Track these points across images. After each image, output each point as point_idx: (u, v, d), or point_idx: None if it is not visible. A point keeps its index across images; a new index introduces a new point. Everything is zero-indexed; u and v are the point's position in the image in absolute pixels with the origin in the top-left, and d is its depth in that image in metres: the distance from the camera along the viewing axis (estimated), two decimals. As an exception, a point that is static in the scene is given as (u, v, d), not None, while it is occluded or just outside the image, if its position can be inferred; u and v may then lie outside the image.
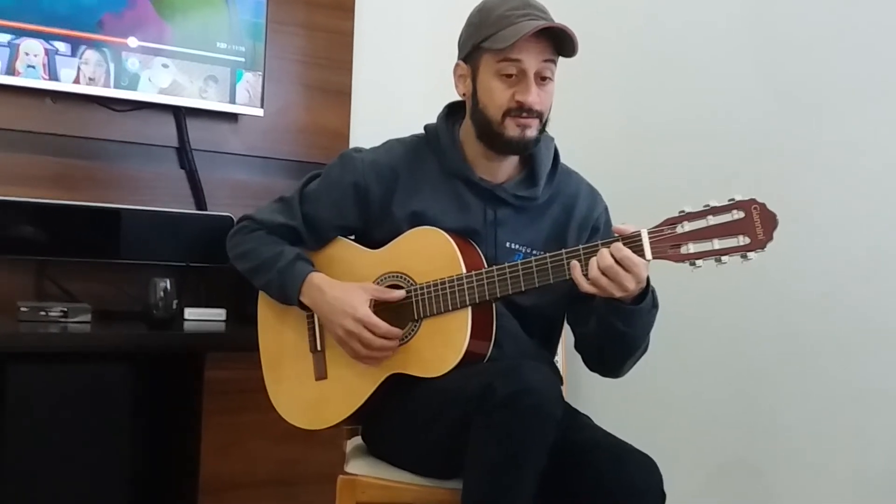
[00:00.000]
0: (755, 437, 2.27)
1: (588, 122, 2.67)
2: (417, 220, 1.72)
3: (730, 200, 1.45)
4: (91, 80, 2.37)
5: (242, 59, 2.54)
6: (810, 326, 2.16)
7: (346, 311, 1.68)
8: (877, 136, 2.05)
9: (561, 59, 1.69)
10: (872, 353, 2.05)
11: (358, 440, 1.89)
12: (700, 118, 2.42)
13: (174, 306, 2.29)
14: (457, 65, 1.74)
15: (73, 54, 2.35)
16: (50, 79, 2.33)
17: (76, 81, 2.36)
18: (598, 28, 2.63)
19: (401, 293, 1.69)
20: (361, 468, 1.76)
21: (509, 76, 1.64)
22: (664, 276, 1.64)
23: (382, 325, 1.67)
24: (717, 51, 2.39)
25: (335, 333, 1.71)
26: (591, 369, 1.76)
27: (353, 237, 1.83)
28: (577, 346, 1.77)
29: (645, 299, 1.57)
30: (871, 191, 2.06)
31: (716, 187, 1.53)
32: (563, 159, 1.81)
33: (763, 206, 1.44)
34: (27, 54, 2.30)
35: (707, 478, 2.37)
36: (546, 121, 1.70)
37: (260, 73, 2.57)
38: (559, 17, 1.68)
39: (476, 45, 1.67)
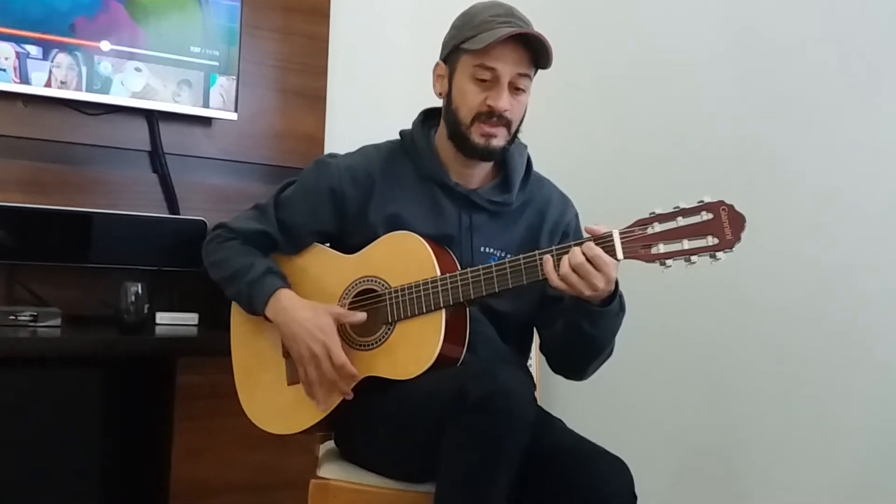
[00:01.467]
0: (726, 439, 2.29)
1: (563, 128, 2.69)
2: (394, 223, 1.73)
3: (699, 202, 1.48)
4: (63, 84, 2.35)
5: (216, 63, 2.54)
6: (780, 330, 2.17)
7: (314, 334, 1.68)
8: (851, 145, 2.07)
9: (540, 71, 1.71)
10: (843, 358, 2.06)
11: (330, 444, 1.88)
12: (675, 124, 2.44)
13: (145, 311, 2.27)
14: (437, 64, 1.76)
15: (45, 58, 2.33)
16: (21, 82, 2.31)
17: (48, 85, 2.34)
18: (577, 36, 2.65)
19: (362, 315, 1.70)
20: (334, 472, 1.75)
21: (483, 81, 1.66)
22: (635, 280, 1.66)
23: (345, 361, 1.66)
24: (695, 59, 2.41)
25: (298, 352, 1.70)
26: (555, 371, 1.78)
27: (328, 244, 1.83)
28: (543, 348, 1.79)
29: (613, 302, 1.59)
30: (844, 199, 2.08)
31: (689, 192, 1.54)
32: (539, 164, 1.83)
33: (731, 207, 1.46)
34: (-2, 57, 2.28)
35: (678, 480, 2.38)
36: (516, 132, 1.72)
37: (234, 77, 2.56)
38: (542, 26, 1.69)
39: (456, 47, 1.69)
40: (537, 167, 1.83)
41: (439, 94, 1.76)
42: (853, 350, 2.05)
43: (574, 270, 1.52)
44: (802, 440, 2.13)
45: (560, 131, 2.66)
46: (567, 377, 1.77)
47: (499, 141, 1.69)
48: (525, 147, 1.81)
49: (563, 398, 2.27)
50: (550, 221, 1.79)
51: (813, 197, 2.13)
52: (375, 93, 2.86)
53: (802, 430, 2.13)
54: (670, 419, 2.42)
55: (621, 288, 1.61)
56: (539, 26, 1.69)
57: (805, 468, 2.12)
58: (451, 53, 1.71)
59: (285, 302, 1.73)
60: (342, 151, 1.84)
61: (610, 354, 1.71)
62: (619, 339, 1.68)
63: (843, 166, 2.08)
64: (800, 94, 2.17)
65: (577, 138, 2.70)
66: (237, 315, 1.87)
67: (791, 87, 2.19)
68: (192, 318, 2.46)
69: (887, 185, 2.01)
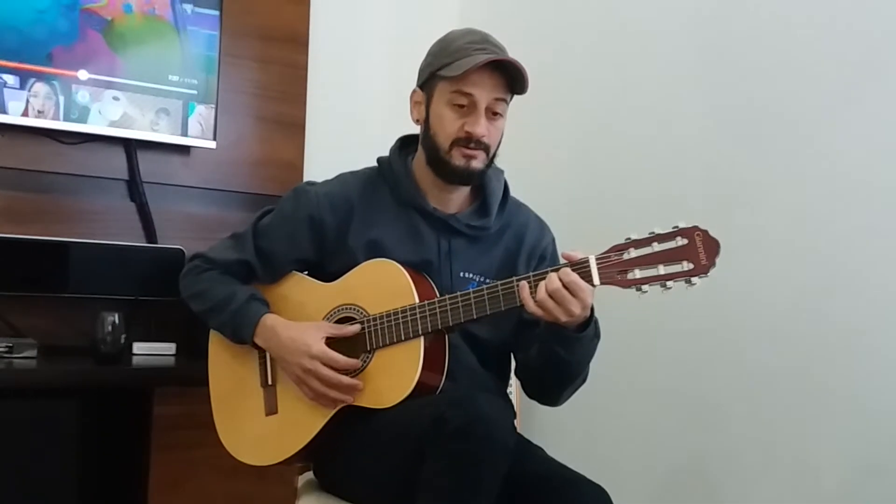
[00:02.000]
0: (706, 462, 2.28)
1: (539, 152, 2.70)
2: (374, 248, 1.72)
3: (674, 228, 1.48)
4: (40, 113, 2.34)
5: (195, 92, 2.53)
6: (757, 352, 2.18)
7: (301, 349, 1.67)
8: (823, 166, 2.09)
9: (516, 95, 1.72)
10: (820, 379, 2.07)
11: (309, 475, 1.86)
12: (650, 149, 2.46)
13: (122, 341, 2.25)
14: (414, 91, 1.77)
15: (22, 87, 2.32)
16: (-2, 111, 2.30)
17: (25, 114, 2.32)
18: (550, 59, 2.67)
19: (355, 327, 1.69)
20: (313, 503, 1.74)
21: (461, 107, 1.67)
22: (613, 303, 1.66)
23: (340, 359, 1.66)
24: (670, 80, 2.43)
25: (292, 374, 1.70)
26: (530, 396, 1.78)
27: (307, 272, 1.82)
28: (518, 372, 1.79)
29: (588, 328, 1.59)
30: (821, 218, 2.09)
31: (665, 216, 1.55)
32: (516, 188, 1.84)
33: (705, 232, 1.47)
34: (-26, 87, 2.27)
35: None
36: (493, 155, 1.73)
37: (213, 105, 2.56)
38: (513, 50, 1.71)
39: (433, 73, 1.70)
40: (514, 191, 1.84)
41: (417, 121, 1.76)
42: (831, 369, 2.05)
43: (551, 296, 1.52)
44: (781, 460, 2.13)
45: (535, 155, 2.67)
46: (541, 402, 1.77)
47: (478, 163, 1.69)
48: (502, 172, 1.82)
49: (543, 425, 2.26)
50: (528, 246, 1.79)
51: (789, 216, 2.14)
52: (354, 120, 2.87)
53: (781, 451, 2.13)
54: (650, 444, 2.41)
55: (600, 312, 1.61)
56: (514, 51, 1.71)
57: (785, 488, 2.11)
58: (428, 80, 1.72)
59: (270, 327, 1.72)
60: (321, 179, 1.84)
61: (584, 380, 1.71)
62: (599, 364, 1.68)
63: (819, 185, 2.09)
64: (774, 114, 2.18)
65: (553, 162, 2.71)
66: (215, 345, 1.86)
67: (766, 107, 2.20)
68: (169, 347, 2.44)
69: (863, 204, 2.02)
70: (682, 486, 2.34)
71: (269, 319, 1.73)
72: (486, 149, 1.69)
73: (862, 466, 1.99)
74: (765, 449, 2.16)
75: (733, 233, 1.58)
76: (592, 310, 1.58)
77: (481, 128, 1.67)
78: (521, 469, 1.58)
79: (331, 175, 1.85)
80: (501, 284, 1.59)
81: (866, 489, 1.98)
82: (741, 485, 2.20)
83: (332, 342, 1.71)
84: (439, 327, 1.62)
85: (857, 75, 2.05)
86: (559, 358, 1.61)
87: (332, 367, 1.66)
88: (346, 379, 1.66)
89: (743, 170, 2.23)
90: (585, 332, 1.59)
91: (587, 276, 1.52)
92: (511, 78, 1.68)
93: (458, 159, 1.68)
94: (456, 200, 1.77)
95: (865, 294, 2.00)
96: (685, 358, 2.33)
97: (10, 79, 2.31)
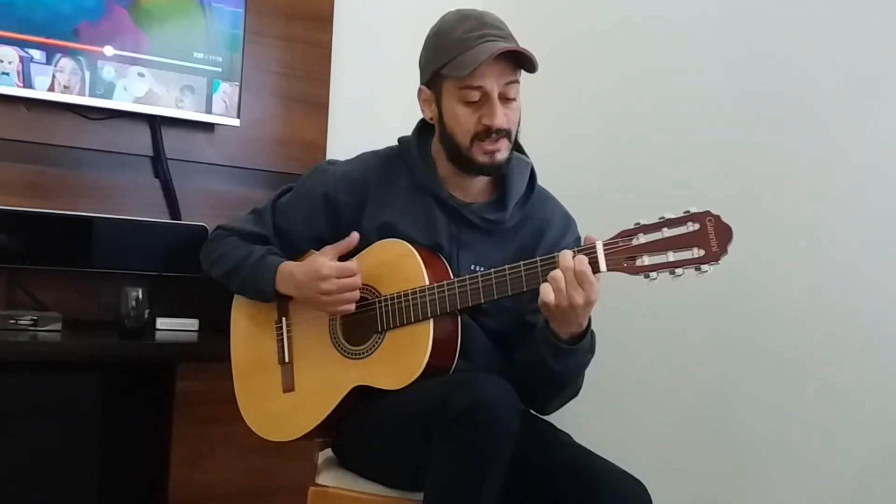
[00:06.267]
0: (733, 456, 2.26)
1: (559, 138, 2.68)
2: (387, 231, 1.71)
3: (685, 212, 1.43)
4: (66, 89, 2.36)
5: (219, 70, 2.54)
6: (785, 341, 2.15)
7: (316, 276, 1.66)
8: (844, 156, 2.06)
9: (536, 80, 1.67)
10: (848, 366, 2.05)
11: (329, 452, 1.88)
12: (671, 136, 2.43)
13: (146, 316, 2.28)
14: (420, 89, 1.73)
15: (49, 62, 2.34)
16: (24, 86, 2.32)
17: (51, 89, 2.35)
18: (572, 44, 2.65)
19: (353, 237, 1.69)
20: (332, 480, 1.75)
21: (473, 101, 1.63)
22: (631, 295, 1.63)
23: (340, 269, 1.65)
24: (692, 66, 2.40)
25: (317, 304, 1.69)
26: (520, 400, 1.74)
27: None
28: (508, 374, 1.68)
29: (582, 340, 1.56)
30: (841, 206, 2.06)
31: (684, 204, 1.49)
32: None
33: (718, 218, 1.41)
34: (1, 61, 2.29)
35: (685, 499, 2.36)
36: (515, 138, 1.69)
37: (237, 83, 2.56)
38: (535, 34, 1.68)
39: (436, 72, 1.66)
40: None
41: (430, 119, 1.72)
42: (852, 361, 2.04)
43: (563, 272, 1.47)
44: (812, 449, 2.11)
45: (555, 140, 2.65)
46: (529, 407, 1.71)
47: (503, 154, 1.66)
48: (528, 164, 1.77)
49: (566, 411, 2.25)
50: (547, 243, 1.74)
51: (810, 204, 2.11)
52: (377, 100, 2.86)
53: (811, 439, 2.11)
54: (677, 433, 2.39)
55: (618, 305, 1.57)
56: (536, 35, 1.67)
57: (814, 479, 2.09)
58: (433, 79, 1.67)
59: (287, 273, 1.72)
60: (344, 158, 1.84)
61: (575, 394, 1.68)
62: (626, 348, 1.65)
63: (840, 175, 2.07)
64: (797, 102, 2.15)
65: (573, 148, 2.69)
66: (236, 321, 1.88)
67: (788, 95, 2.17)
68: (192, 323, 2.46)
69: (885, 193, 1.99)
70: (710, 475, 2.33)
71: (285, 267, 1.73)
72: (507, 135, 1.65)
73: (885, 459, 1.97)
74: (785, 443, 2.14)
75: (756, 215, 1.54)
76: (590, 322, 1.55)
77: (499, 117, 1.62)
78: (549, 459, 1.56)
79: (353, 154, 1.84)
80: (509, 269, 1.56)
81: (888, 482, 1.96)
82: (769, 477, 2.19)
83: (344, 321, 1.72)
84: (447, 310, 1.61)
85: (881, 65, 2.01)
86: (548, 366, 1.58)
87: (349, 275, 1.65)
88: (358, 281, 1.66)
89: (764, 158, 2.20)
90: (579, 344, 1.56)
91: (594, 263, 1.48)
92: (517, 58, 1.62)
93: (480, 156, 1.65)
94: (474, 189, 1.74)
95: (886, 285, 1.98)
96: (713, 347, 2.31)
97: (37, 54, 2.33)
